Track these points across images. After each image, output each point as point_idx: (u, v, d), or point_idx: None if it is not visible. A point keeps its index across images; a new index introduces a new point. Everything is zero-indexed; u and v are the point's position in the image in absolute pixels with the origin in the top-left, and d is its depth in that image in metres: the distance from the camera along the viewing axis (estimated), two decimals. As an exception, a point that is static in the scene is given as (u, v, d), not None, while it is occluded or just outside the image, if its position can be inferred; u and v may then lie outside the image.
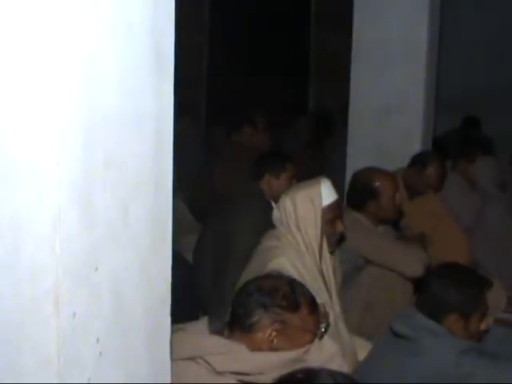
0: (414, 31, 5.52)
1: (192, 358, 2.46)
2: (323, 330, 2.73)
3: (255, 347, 2.52)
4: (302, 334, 2.61)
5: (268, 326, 2.53)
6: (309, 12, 10.56)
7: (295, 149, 8.43)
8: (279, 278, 2.70)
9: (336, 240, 3.77)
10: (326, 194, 3.61)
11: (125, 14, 1.49)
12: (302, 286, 2.72)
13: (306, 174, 7.45)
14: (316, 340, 2.68)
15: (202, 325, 2.68)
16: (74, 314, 1.39)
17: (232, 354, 2.48)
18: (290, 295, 2.58)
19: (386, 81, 5.57)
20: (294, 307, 2.57)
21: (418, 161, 5.26)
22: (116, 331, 1.54)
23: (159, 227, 1.69)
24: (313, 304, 2.68)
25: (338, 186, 4.25)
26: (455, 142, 8.00)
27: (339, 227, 3.70)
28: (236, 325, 2.57)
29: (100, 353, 1.48)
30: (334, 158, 7.49)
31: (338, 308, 3.68)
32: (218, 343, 2.52)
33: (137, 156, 1.57)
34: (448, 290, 3.13)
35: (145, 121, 1.60)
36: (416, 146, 5.58)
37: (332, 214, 3.64)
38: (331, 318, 3.45)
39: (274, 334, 2.53)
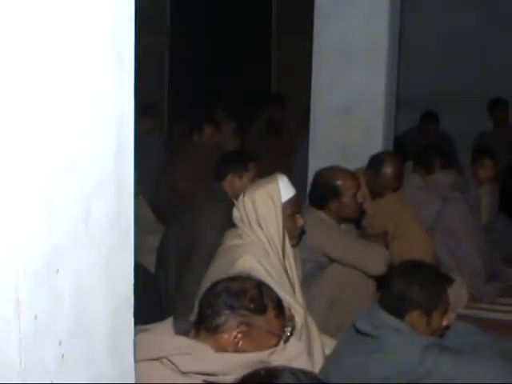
0: (375, 31, 5.54)
1: (157, 359, 2.46)
2: (289, 333, 2.73)
3: (220, 348, 2.52)
4: (267, 336, 2.61)
5: (234, 328, 2.54)
6: (270, 12, 10.57)
7: (256, 149, 8.48)
8: (248, 280, 2.69)
9: (297, 234, 3.80)
10: (284, 189, 3.63)
11: (84, 15, 1.48)
12: (269, 289, 2.73)
13: (270, 173, 7.49)
14: (281, 345, 2.70)
15: (167, 325, 2.68)
16: (36, 317, 1.38)
17: (196, 354, 2.48)
18: (258, 298, 2.59)
19: (347, 80, 5.59)
20: (260, 310, 2.58)
21: (375, 162, 5.28)
22: (78, 333, 1.53)
23: (121, 228, 1.69)
24: (279, 307, 2.68)
25: (300, 185, 4.27)
26: (415, 142, 8.07)
27: (299, 221, 3.74)
28: (202, 325, 2.56)
29: (63, 355, 1.47)
30: (296, 158, 7.52)
31: (303, 303, 3.69)
32: (183, 343, 2.51)
33: (97, 157, 1.56)
34: (410, 287, 3.16)
35: (105, 121, 1.59)
36: (377, 145, 5.60)
37: (292, 209, 3.67)
38: (299, 315, 3.47)
39: (239, 335, 2.53)
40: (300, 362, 2.65)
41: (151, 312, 3.95)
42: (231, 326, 2.53)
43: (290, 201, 3.65)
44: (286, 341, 2.71)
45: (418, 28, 9.55)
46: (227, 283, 2.64)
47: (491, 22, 9.65)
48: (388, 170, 5.25)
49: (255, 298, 2.58)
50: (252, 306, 2.56)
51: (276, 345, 2.64)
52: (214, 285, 2.67)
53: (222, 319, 2.53)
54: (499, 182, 7.43)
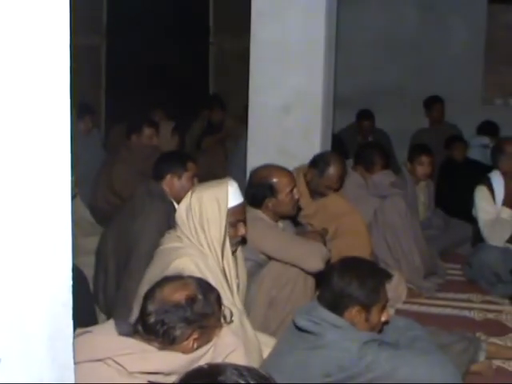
0: (312, 30, 5.56)
1: (101, 360, 2.44)
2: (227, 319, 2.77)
3: (184, 352, 2.57)
4: (214, 330, 2.68)
5: (190, 335, 2.58)
6: (207, 11, 10.55)
7: (196, 149, 8.48)
8: (188, 284, 2.68)
9: (237, 242, 3.80)
10: (232, 196, 3.63)
11: (19, 15, 1.47)
12: (208, 284, 2.76)
13: (209, 173, 7.50)
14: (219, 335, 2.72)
15: (108, 327, 2.66)
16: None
17: (142, 353, 2.48)
18: (205, 300, 2.62)
19: (284, 79, 5.60)
20: (210, 310, 2.64)
21: (319, 162, 5.30)
22: (17, 336, 1.52)
23: (59, 230, 1.67)
24: (220, 298, 2.74)
25: (239, 184, 4.25)
26: (353, 140, 8.14)
27: (241, 230, 3.74)
28: (156, 339, 2.56)
29: (0, 359, 1.46)
30: (235, 157, 7.53)
31: (240, 306, 3.70)
32: (128, 344, 2.51)
33: (34, 157, 1.55)
34: (349, 284, 3.20)
35: (41, 122, 1.57)
36: (316, 144, 5.63)
37: (236, 217, 3.67)
38: (235, 316, 3.47)
39: (196, 340, 2.59)
40: (237, 355, 2.67)
41: (85, 315, 3.93)
42: (187, 335, 2.58)
43: (236, 208, 3.65)
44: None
45: (354, 27, 9.64)
46: (168, 295, 2.61)
47: (427, 21, 9.79)
48: (332, 170, 5.28)
49: (203, 301, 2.62)
50: (204, 311, 2.61)
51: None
52: (151, 298, 2.63)
53: (178, 333, 2.56)
54: (436, 178, 7.55)
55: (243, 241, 3.95)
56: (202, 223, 3.55)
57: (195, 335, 2.58)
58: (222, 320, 2.80)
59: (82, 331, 2.53)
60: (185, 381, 1.80)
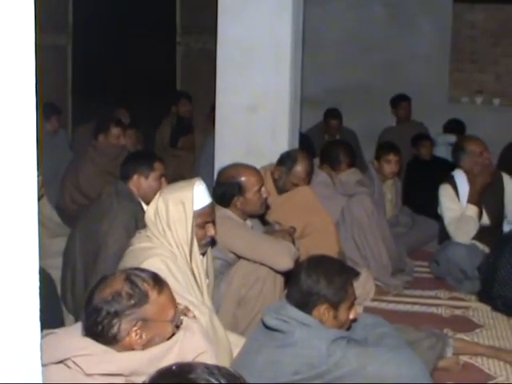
0: (279, 29, 5.57)
1: (63, 361, 2.42)
2: (181, 321, 2.72)
3: (129, 349, 2.51)
4: (162, 323, 2.60)
5: (130, 329, 2.52)
6: (174, 10, 10.53)
7: (162, 149, 8.46)
8: (114, 278, 2.63)
9: (206, 243, 3.80)
10: (198, 198, 3.62)
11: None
12: (138, 271, 2.68)
13: (176, 172, 7.50)
14: (181, 332, 2.69)
15: (74, 328, 2.65)
16: None
17: (100, 355, 2.46)
18: (134, 290, 2.55)
19: (251, 79, 5.60)
20: (142, 299, 2.56)
21: (286, 159, 5.31)
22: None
23: (25, 231, 1.66)
24: (158, 282, 2.66)
25: (207, 183, 4.24)
26: (320, 138, 8.17)
27: (210, 231, 3.73)
28: (100, 340, 2.52)
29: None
30: (203, 156, 7.52)
31: (210, 305, 3.70)
32: (87, 344, 2.49)
33: (-1, 158, 1.54)
34: (317, 282, 3.21)
35: (6, 123, 1.56)
36: (283, 143, 5.64)
37: (203, 219, 3.67)
38: (205, 316, 3.47)
39: (138, 331, 2.53)
40: (206, 358, 2.65)
41: (52, 317, 3.91)
42: (127, 329, 2.52)
43: (203, 210, 3.65)
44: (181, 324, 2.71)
45: (321, 25, 9.68)
46: (99, 293, 2.56)
47: (393, 20, 9.86)
48: (299, 167, 5.30)
49: (131, 292, 2.55)
50: (133, 301, 2.54)
51: (172, 331, 2.65)
52: (89, 300, 2.59)
53: (115, 329, 2.51)
54: (402, 176, 7.60)
55: (213, 241, 3.95)
56: (169, 225, 3.55)
57: (136, 327, 2.52)
58: (183, 317, 2.77)
59: (48, 332, 2.52)
60: (155, 380, 1.80)
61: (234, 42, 5.59)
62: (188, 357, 2.58)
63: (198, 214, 3.61)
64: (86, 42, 9.68)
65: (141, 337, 2.52)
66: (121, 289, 2.54)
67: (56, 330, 2.60)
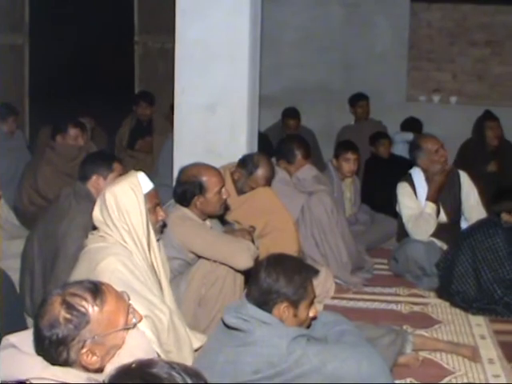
0: (237, 29, 5.55)
1: (22, 382, 2.31)
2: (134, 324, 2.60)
3: (86, 369, 2.39)
4: (114, 334, 2.46)
5: (80, 351, 2.38)
6: (132, 10, 10.47)
7: (121, 150, 8.42)
8: (52, 303, 2.42)
9: (159, 227, 3.82)
10: (144, 182, 3.62)
11: None
12: (75, 289, 2.48)
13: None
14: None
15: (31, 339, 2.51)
16: None
17: (63, 376, 2.34)
18: (72, 313, 2.39)
19: (210, 78, 5.59)
20: (83, 320, 2.40)
21: (248, 162, 5.29)
22: None
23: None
24: (98, 294, 2.46)
25: (166, 183, 4.23)
26: (279, 137, 8.19)
27: (160, 213, 3.77)
28: (55, 364, 2.38)
29: None
30: (162, 156, 7.50)
31: (171, 300, 3.69)
32: (41, 365, 2.36)
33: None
34: (276, 280, 3.22)
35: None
36: (242, 142, 5.64)
37: (152, 201, 3.68)
38: (166, 314, 3.46)
39: (89, 352, 2.39)
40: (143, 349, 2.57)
41: (14, 318, 3.87)
42: (77, 352, 2.37)
43: (150, 193, 3.66)
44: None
45: (279, 25, 9.71)
46: (41, 320, 2.39)
47: (351, 19, 9.92)
48: (260, 172, 5.27)
49: (69, 316, 2.38)
50: (72, 325, 2.37)
51: (126, 326, 2.49)
52: (35, 324, 2.41)
53: (64, 355, 2.37)
54: (361, 174, 7.65)
55: (165, 225, 3.98)
56: (122, 216, 3.49)
57: (85, 349, 2.38)
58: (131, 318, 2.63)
59: (7, 343, 2.43)
60: (115, 379, 1.78)
61: (192, 41, 5.58)
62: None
63: (147, 198, 3.61)
64: (43, 41, 9.58)
65: (94, 355, 2.39)
66: (58, 314, 2.38)
67: (15, 340, 2.48)
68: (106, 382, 1.80)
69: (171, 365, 1.77)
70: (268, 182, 5.36)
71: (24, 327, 3.71)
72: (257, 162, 5.29)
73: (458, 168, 6.30)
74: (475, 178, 6.19)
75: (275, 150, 6.23)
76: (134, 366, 1.79)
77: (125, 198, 3.51)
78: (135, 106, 8.66)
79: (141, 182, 3.59)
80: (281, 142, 6.45)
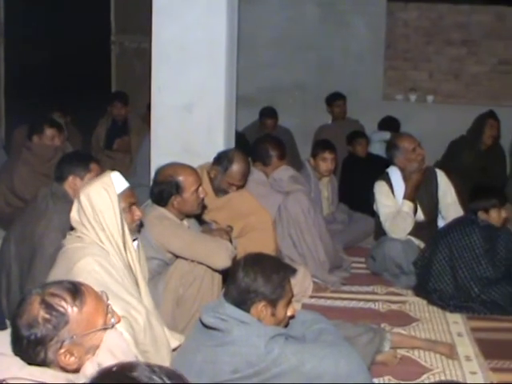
0: (213, 28, 5.55)
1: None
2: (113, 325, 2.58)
3: (64, 370, 2.38)
4: (93, 334, 2.44)
5: (58, 351, 2.37)
6: (109, 10, 10.44)
7: (97, 150, 8.39)
8: (31, 303, 2.40)
9: (136, 226, 3.80)
10: (118, 182, 3.61)
11: None
12: (54, 288, 2.46)
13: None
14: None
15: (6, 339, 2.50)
16: None
17: (39, 376, 2.33)
18: (51, 313, 2.37)
19: (186, 78, 5.58)
20: (62, 320, 2.38)
21: (222, 159, 5.28)
22: None
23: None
24: (77, 295, 2.45)
25: (144, 183, 4.21)
26: (255, 137, 8.19)
27: (136, 213, 3.74)
28: (32, 364, 2.37)
29: None
30: (139, 156, 7.48)
31: (148, 300, 3.68)
32: (18, 365, 2.36)
33: None
34: (254, 280, 3.22)
35: None
36: (219, 142, 5.64)
37: (128, 201, 3.67)
38: (142, 314, 3.45)
39: (67, 353, 2.38)
40: (121, 349, 2.56)
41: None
42: (54, 353, 2.36)
43: (125, 193, 3.65)
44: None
45: (255, 25, 9.70)
46: (19, 319, 2.38)
47: (327, 19, 9.93)
48: (236, 167, 5.26)
49: (48, 316, 2.37)
50: (50, 325, 2.36)
51: (105, 326, 2.48)
52: (13, 324, 2.40)
53: (41, 355, 2.35)
54: (338, 173, 7.67)
55: (141, 224, 3.95)
56: (97, 217, 3.49)
57: (63, 349, 2.37)
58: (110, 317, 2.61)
59: None
60: (97, 381, 1.77)
61: (169, 41, 5.57)
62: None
63: (122, 198, 3.60)
64: (19, 41, 9.53)
65: (72, 356, 2.38)
66: (37, 314, 2.37)
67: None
68: (88, 382, 1.79)
69: (152, 368, 1.76)
70: (244, 177, 5.34)
71: (3, 328, 3.69)
72: (232, 158, 5.27)
73: (446, 165, 6.33)
74: (462, 176, 6.23)
75: (251, 153, 6.21)
76: (114, 369, 1.78)
77: (98, 198, 3.50)
78: (110, 106, 8.62)
79: (114, 182, 3.58)
80: (255, 143, 6.42)
